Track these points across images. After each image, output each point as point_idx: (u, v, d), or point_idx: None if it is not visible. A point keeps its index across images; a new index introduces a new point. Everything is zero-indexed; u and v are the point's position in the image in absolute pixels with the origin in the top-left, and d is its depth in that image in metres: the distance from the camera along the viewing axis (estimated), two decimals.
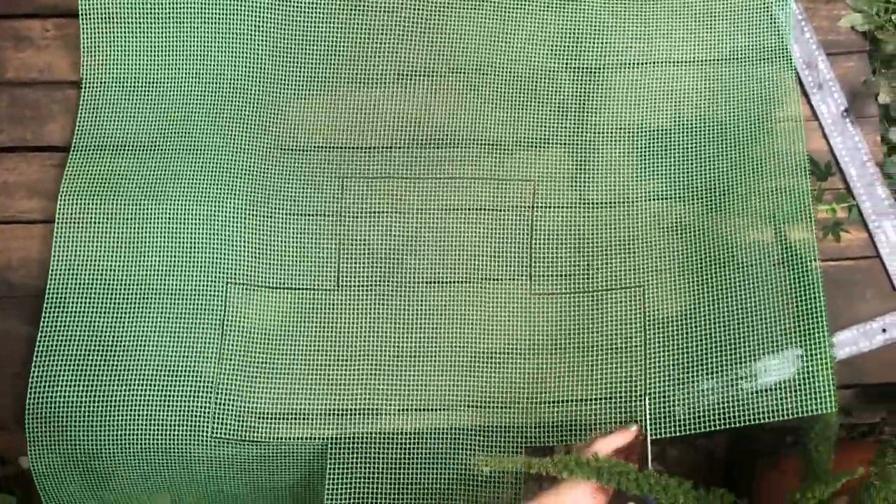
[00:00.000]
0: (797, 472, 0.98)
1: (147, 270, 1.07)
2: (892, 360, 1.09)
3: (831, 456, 0.93)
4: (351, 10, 1.16)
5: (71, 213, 1.08)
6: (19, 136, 1.13)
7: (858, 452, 1.17)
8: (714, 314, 1.05)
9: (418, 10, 1.16)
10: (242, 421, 1.04)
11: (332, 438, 1.04)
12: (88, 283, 1.06)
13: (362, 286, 1.09)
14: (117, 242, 1.07)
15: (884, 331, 1.09)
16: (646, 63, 1.14)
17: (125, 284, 1.06)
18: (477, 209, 1.11)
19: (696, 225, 1.09)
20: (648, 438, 0.99)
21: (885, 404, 1.28)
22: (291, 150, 1.13)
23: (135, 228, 1.08)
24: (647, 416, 1.01)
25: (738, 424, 0.99)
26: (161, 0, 1.14)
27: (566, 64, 1.15)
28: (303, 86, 1.15)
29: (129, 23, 1.13)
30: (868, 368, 1.09)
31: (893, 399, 1.13)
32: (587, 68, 1.15)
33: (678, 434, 1.01)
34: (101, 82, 1.13)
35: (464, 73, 1.15)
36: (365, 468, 1.04)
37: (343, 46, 1.15)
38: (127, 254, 1.07)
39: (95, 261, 1.07)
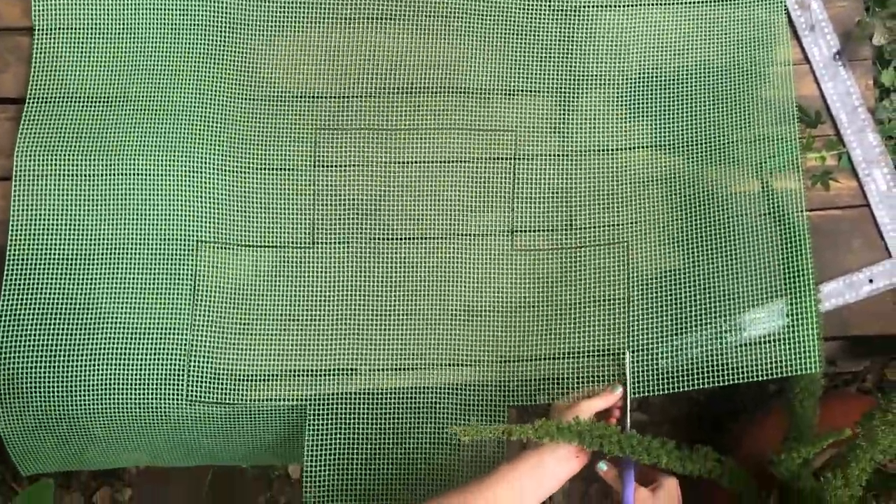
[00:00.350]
0: (780, 427, 0.97)
1: (112, 227, 1.02)
2: (877, 312, 1.07)
3: (816, 412, 0.92)
4: None
5: (28, 169, 1.03)
6: None
7: (842, 404, 1.17)
8: (699, 267, 1.02)
9: None
10: (217, 382, 1.01)
11: (309, 398, 1.02)
12: (51, 242, 1.01)
13: (337, 242, 1.05)
14: (80, 199, 1.03)
15: (870, 281, 1.07)
16: (630, 5, 1.09)
17: (90, 242, 1.02)
18: (456, 161, 1.07)
19: (682, 175, 1.06)
20: (628, 397, 0.98)
21: (869, 356, 1.28)
22: (261, 99, 1.07)
23: (97, 184, 1.03)
24: (629, 373, 0.99)
25: (721, 383, 0.98)
26: None
27: (548, 4, 1.09)
28: (271, 31, 1.09)
29: None
30: (854, 320, 1.07)
31: (878, 350, 1.12)
32: (570, 9, 1.09)
33: (661, 392, 0.99)
34: (54, 28, 1.07)
35: (441, 15, 1.09)
36: (344, 427, 1.02)
37: None
38: (90, 210, 1.02)
39: (57, 218, 1.02)
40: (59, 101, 1.05)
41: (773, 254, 1.01)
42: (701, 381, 0.99)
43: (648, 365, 1.01)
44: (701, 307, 1.01)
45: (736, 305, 1.00)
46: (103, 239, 1.02)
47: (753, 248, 1.01)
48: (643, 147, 1.07)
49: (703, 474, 0.91)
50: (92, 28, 1.07)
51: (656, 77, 1.08)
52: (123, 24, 1.07)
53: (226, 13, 1.08)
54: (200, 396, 1.00)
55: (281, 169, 1.06)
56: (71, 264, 1.01)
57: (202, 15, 1.08)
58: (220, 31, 1.08)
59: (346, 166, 1.07)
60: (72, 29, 1.07)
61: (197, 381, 1.01)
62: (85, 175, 1.03)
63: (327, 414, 1.02)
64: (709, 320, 1.01)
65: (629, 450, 0.85)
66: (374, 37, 1.09)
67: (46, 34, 1.07)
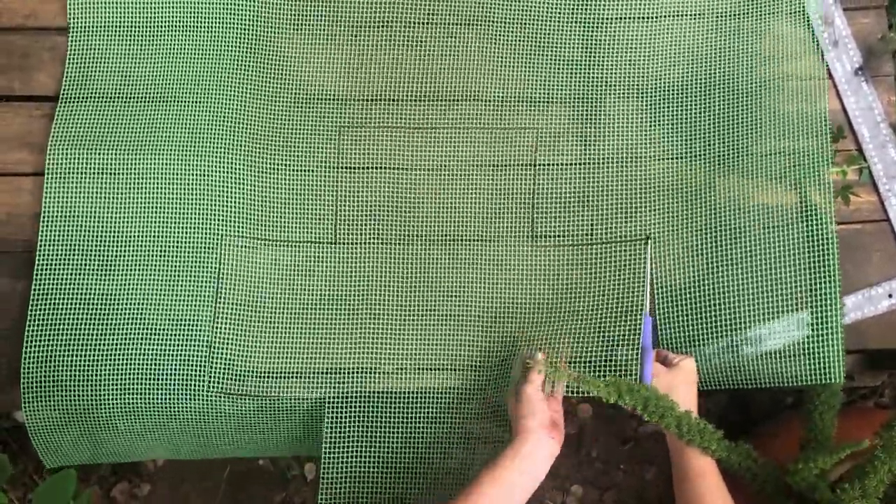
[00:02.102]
0: (795, 440, 0.97)
1: (141, 223, 1.04)
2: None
3: (834, 424, 0.92)
4: None
5: (60, 165, 1.05)
6: (6, 85, 1.09)
7: (859, 417, 1.17)
8: (721, 277, 1.03)
9: None
10: (239, 377, 1.02)
11: (329, 395, 1.03)
12: (81, 237, 1.03)
13: (359, 242, 1.07)
14: (109, 195, 1.04)
15: (890, 296, 1.07)
16: (655, 16, 1.10)
17: (119, 237, 1.04)
18: (479, 165, 1.08)
19: (705, 185, 1.06)
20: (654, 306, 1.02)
21: (887, 369, 1.28)
22: (288, 100, 1.09)
23: (127, 180, 1.05)
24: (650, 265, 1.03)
25: (743, 387, 0.98)
26: None
27: (573, 15, 1.10)
28: (300, 34, 1.10)
29: None
30: (872, 334, 1.07)
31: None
32: (596, 19, 1.10)
33: None
34: (89, 27, 1.09)
35: (467, 23, 1.11)
36: (362, 424, 1.03)
37: None
38: (120, 206, 1.04)
39: (87, 214, 1.04)
40: (91, 99, 1.07)
41: (797, 266, 1.01)
42: (721, 383, 0.99)
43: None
44: (723, 317, 1.01)
45: (759, 315, 1.01)
46: (131, 234, 1.04)
47: (777, 260, 1.02)
48: (666, 157, 1.08)
49: (740, 469, 0.92)
50: (124, 28, 1.09)
51: (680, 87, 1.09)
52: (155, 25, 1.09)
53: (256, 19, 1.10)
54: (223, 390, 1.02)
55: (305, 168, 1.08)
56: (100, 258, 1.03)
57: (232, 18, 1.10)
58: (250, 35, 1.10)
59: (369, 168, 1.08)
60: (107, 28, 1.09)
61: (220, 375, 1.02)
62: (115, 171, 1.05)
63: (346, 411, 1.03)
64: (730, 330, 1.01)
65: (686, 430, 0.86)
66: (401, 43, 1.11)
67: (81, 33, 1.09)
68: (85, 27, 1.09)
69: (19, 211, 1.06)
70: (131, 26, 1.09)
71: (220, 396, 1.02)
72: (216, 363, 1.02)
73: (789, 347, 0.99)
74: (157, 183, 1.05)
